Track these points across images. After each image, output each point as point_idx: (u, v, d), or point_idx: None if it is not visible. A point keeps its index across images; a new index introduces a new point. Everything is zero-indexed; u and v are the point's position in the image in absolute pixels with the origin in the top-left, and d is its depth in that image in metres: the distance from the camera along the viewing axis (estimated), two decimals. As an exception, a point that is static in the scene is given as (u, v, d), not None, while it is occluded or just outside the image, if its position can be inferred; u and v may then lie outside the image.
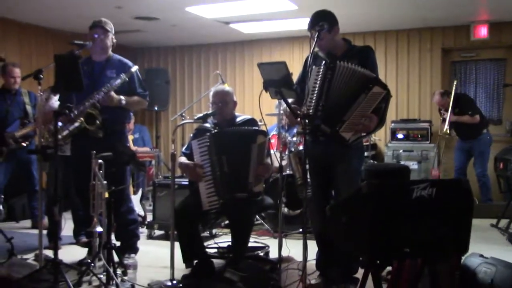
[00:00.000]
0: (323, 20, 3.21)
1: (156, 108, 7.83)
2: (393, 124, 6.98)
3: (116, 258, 3.57)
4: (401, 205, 2.47)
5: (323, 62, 3.16)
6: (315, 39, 3.16)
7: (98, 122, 3.82)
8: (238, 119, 3.86)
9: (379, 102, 3.14)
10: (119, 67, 4.02)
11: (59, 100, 4.11)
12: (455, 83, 6.50)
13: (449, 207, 2.52)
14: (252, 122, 3.86)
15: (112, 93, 3.88)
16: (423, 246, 2.53)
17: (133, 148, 6.45)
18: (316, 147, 3.32)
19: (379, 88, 3.11)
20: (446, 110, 6.36)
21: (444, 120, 6.39)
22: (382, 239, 2.46)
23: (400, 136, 6.93)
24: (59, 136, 3.79)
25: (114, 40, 4.07)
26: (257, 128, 3.77)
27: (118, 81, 3.90)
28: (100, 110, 3.84)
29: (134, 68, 4.01)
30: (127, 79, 3.94)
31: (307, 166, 3.25)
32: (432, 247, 2.55)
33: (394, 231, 2.46)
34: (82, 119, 3.80)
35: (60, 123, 3.74)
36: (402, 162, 6.63)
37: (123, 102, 3.96)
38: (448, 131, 6.26)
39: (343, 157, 3.27)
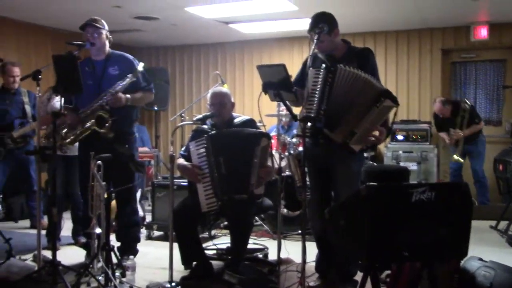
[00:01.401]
0: (323, 22, 3.20)
1: (155, 108, 7.82)
2: (393, 125, 6.95)
3: (114, 260, 3.56)
4: (400, 209, 2.47)
5: (323, 65, 3.14)
6: (315, 41, 3.16)
7: (108, 124, 3.79)
8: (236, 120, 3.85)
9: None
10: (121, 63, 3.97)
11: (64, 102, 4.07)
12: (466, 103, 6.33)
13: (448, 211, 2.52)
14: (250, 123, 3.85)
15: (120, 94, 3.85)
16: (422, 249, 2.53)
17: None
18: (315, 149, 3.31)
19: (390, 102, 3.10)
20: (445, 117, 6.36)
21: (456, 142, 6.30)
22: (381, 242, 2.46)
23: (400, 137, 6.91)
24: (68, 140, 3.81)
25: (110, 36, 4.02)
26: (260, 130, 3.76)
27: (126, 82, 3.86)
28: (109, 111, 3.82)
29: (140, 67, 3.94)
30: (134, 79, 3.89)
31: (306, 168, 3.25)
32: (431, 251, 2.55)
33: (393, 235, 2.46)
34: (93, 121, 3.77)
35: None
36: (401, 163, 6.61)
37: (130, 100, 3.93)
38: (461, 159, 6.24)
39: (343, 159, 3.26)
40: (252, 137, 3.61)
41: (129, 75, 3.88)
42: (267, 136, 3.65)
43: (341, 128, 3.12)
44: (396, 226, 2.46)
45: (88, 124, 3.79)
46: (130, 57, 4.06)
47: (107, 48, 4.01)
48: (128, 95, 3.91)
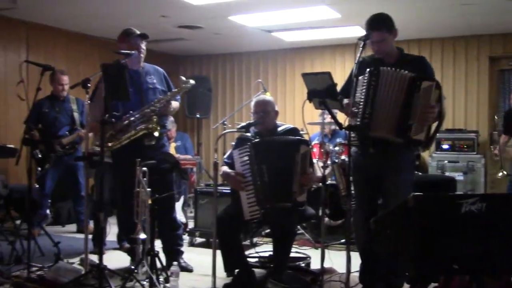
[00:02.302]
0: (370, 29, 3.17)
1: (198, 116, 7.91)
2: (438, 134, 6.78)
3: (159, 265, 3.61)
4: (449, 220, 2.41)
5: (367, 69, 3.12)
6: (360, 49, 3.13)
7: (159, 130, 3.90)
8: (280, 129, 3.85)
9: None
10: (155, 73, 4.12)
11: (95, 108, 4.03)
12: None
13: (500, 223, 2.44)
14: (294, 131, 3.84)
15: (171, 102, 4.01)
16: (471, 262, 2.45)
17: (176, 155, 6.51)
18: (364, 158, 3.27)
19: (427, 82, 3.06)
20: None
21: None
22: (429, 254, 2.41)
23: (445, 146, 6.75)
24: (116, 143, 3.90)
25: None
26: (299, 137, 3.75)
27: (179, 92, 3.99)
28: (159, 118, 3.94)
29: (192, 81, 4.01)
30: (186, 90, 4.01)
31: (351, 178, 3.22)
32: (481, 264, 2.47)
33: (441, 246, 2.40)
34: (153, 125, 3.86)
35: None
36: (447, 173, 6.46)
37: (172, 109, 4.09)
38: (505, 172, 5.91)
39: (394, 169, 3.22)
40: (291, 144, 3.60)
41: (184, 85, 3.98)
42: (306, 143, 3.64)
43: (390, 128, 3.08)
44: (444, 237, 2.40)
45: (151, 125, 3.85)
46: (161, 69, 4.21)
47: None
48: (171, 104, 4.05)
